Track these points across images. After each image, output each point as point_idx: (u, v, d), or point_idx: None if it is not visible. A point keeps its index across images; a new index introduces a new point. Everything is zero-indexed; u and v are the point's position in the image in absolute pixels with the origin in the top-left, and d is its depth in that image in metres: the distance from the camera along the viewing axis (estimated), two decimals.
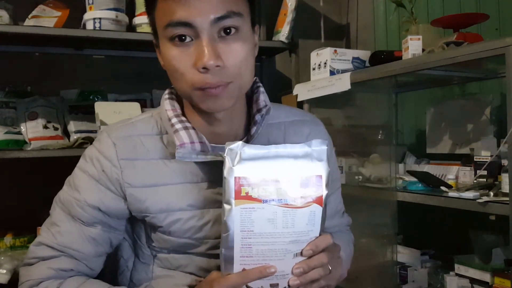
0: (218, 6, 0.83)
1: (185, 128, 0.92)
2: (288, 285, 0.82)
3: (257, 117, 0.96)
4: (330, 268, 0.85)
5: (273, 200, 0.78)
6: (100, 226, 0.95)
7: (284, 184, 0.79)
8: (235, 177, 0.78)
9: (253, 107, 0.99)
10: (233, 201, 0.77)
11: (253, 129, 0.96)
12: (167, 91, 1.00)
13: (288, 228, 0.79)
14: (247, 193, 0.77)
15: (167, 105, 0.96)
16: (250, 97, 1.01)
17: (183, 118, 0.95)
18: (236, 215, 0.77)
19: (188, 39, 0.84)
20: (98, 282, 0.96)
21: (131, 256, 1.03)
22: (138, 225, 1.00)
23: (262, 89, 1.00)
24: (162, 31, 0.87)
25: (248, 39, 0.88)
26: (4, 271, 1.74)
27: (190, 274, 0.96)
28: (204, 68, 0.83)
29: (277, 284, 0.82)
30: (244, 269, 0.80)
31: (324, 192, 0.81)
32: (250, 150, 0.79)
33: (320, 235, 0.83)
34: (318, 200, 0.80)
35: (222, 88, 0.85)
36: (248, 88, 0.94)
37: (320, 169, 0.81)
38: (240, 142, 0.79)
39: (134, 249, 1.03)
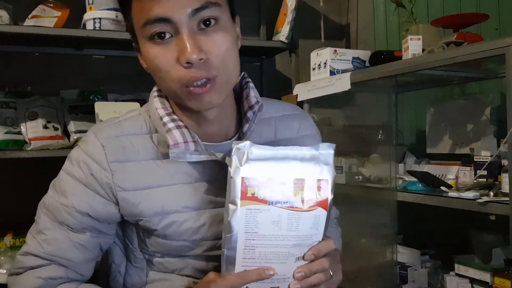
0: None
1: (178, 127, 0.88)
2: None
3: (249, 114, 0.93)
4: (331, 273, 0.84)
5: (279, 202, 0.77)
6: (89, 232, 0.91)
7: (290, 186, 0.78)
8: (242, 177, 0.76)
9: (243, 103, 0.96)
10: (238, 201, 0.76)
11: (245, 127, 0.94)
12: (155, 89, 0.95)
13: (292, 231, 0.78)
14: (253, 194, 0.76)
15: (157, 103, 0.92)
16: (239, 93, 0.98)
17: (175, 117, 0.90)
18: (241, 216, 0.76)
19: (167, 35, 0.81)
20: (90, 286, 0.93)
21: (123, 261, 0.98)
22: (129, 228, 0.95)
23: (251, 84, 0.97)
24: (140, 31, 0.84)
25: (229, 29, 0.85)
26: (4, 271, 1.75)
27: (187, 277, 0.93)
28: (188, 62, 0.80)
29: (278, 287, 0.81)
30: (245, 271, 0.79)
31: (329, 196, 0.80)
32: (258, 150, 0.78)
33: (322, 239, 0.82)
34: (323, 204, 0.79)
35: (210, 86, 0.82)
36: (235, 81, 0.91)
37: (326, 173, 0.80)
38: (248, 142, 0.77)
39: (126, 253, 0.98)
